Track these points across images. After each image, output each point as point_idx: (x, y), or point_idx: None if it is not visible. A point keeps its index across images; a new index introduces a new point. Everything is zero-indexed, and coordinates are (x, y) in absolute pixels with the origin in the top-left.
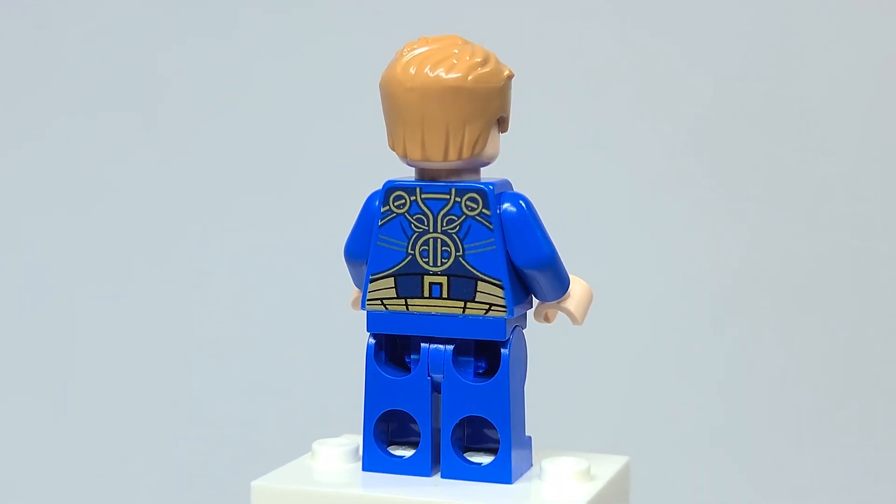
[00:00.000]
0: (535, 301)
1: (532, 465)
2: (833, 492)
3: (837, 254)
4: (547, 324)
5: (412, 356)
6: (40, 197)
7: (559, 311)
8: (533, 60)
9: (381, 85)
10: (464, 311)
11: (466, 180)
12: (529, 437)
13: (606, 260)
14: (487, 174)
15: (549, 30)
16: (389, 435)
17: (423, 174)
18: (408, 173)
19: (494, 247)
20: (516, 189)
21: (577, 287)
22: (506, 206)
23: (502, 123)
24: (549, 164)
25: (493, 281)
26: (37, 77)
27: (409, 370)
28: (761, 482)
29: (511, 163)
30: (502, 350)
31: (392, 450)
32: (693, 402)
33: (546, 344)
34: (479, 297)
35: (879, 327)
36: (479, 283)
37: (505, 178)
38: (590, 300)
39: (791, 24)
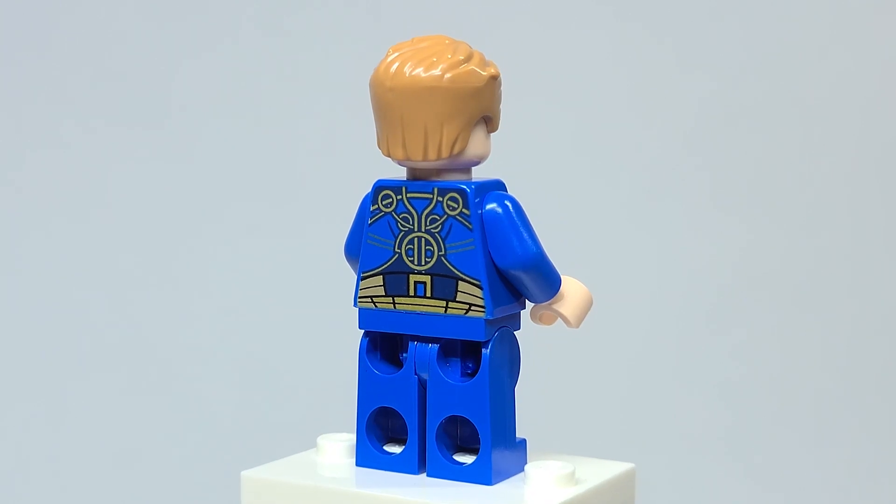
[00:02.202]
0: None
1: (524, 468)
2: (839, 494)
3: (837, 254)
4: (545, 326)
5: (404, 354)
6: (42, 202)
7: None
8: (531, 61)
9: (368, 85)
10: (446, 311)
11: (453, 180)
12: (523, 440)
13: (606, 261)
14: (483, 174)
15: (548, 31)
16: (390, 431)
17: (413, 174)
18: (403, 173)
19: (474, 247)
20: (512, 190)
21: (572, 289)
22: (489, 206)
23: (489, 123)
24: (547, 164)
25: (472, 281)
26: (40, 86)
27: (402, 367)
28: (765, 484)
29: (509, 163)
30: (483, 350)
31: (392, 446)
32: (700, 406)
33: (559, 347)
34: (459, 296)
35: (881, 327)
36: (460, 282)
37: (498, 178)
38: (587, 304)
39: (789, 25)
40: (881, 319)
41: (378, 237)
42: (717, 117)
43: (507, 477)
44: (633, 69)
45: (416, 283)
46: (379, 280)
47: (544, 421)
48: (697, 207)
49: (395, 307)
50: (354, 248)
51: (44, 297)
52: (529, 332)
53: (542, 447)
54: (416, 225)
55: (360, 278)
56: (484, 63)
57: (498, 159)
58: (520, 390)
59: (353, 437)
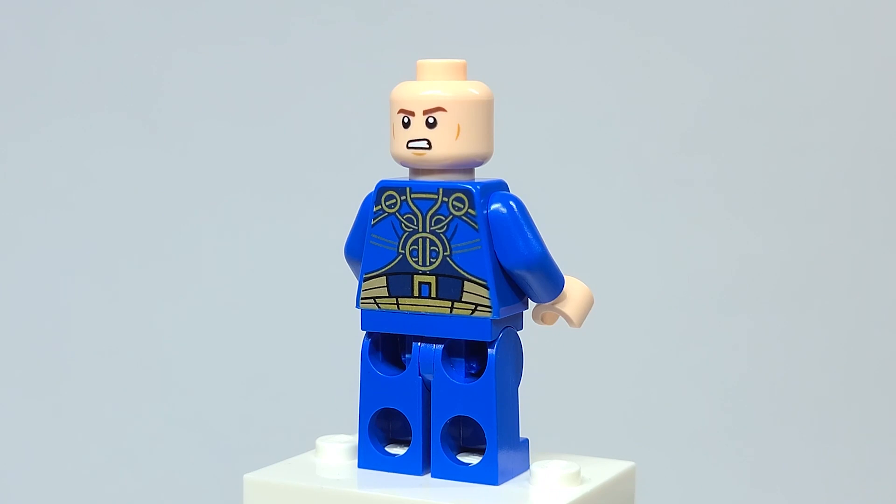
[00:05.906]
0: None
1: (528, 467)
2: (839, 494)
3: (839, 253)
4: (546, 326)
5: (407, 355)
6: (35, 196)
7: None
8: (532, 59)
9: None
10: (451, 311)
11: (457, 180)
12: (526, 440)
13: (607, 261)
14: (485, 174)
15: (549, 29)
16: (391, 432)
17: (416, 174)
18: (405, 174)
19: (480, 247)
20: (514, 190)
21: (574, 289)
22: (494, 206)
23: None
24: (547, 164)
25: (479, 281)
26: (32, 79)
27: (405, 368)
28: (765, 484)
29: (510, 163)
30: (489, 350)
31: (393, 447)
32: (700, 405)
33: (561, 347)
34: (465, 297)
35: (883, 327)
36: (466, 283)
37: (501, 178)
38: (589, 303)
39: (791, 23)
40: (883, 319)
41: (381, 238)
42: (719, 117)
43: (512, 477)
44: (635, 68)
45: (420, 283)
46: (382, 281)
47: (542, 420)
48: (698, 207)
49: (398, 308)
50: (355, 250)
51: (40, 297)
52: (530, 332)
53: (542, 446)
54: (420, 225)
55: (363, 279)
56: None
57: (499, 159)
58: (520, 390)
59: (353, 438)
